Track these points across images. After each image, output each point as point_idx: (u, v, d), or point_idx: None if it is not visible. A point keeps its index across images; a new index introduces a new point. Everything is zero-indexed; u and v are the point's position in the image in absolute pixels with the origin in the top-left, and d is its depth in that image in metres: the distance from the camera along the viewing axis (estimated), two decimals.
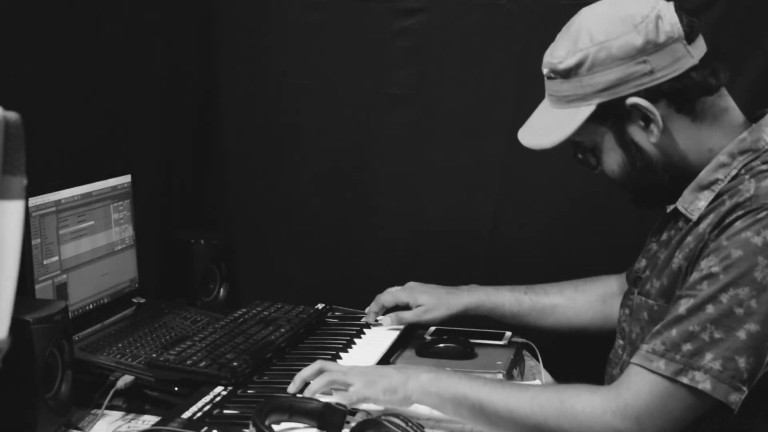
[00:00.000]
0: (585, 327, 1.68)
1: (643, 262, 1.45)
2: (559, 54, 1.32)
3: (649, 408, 1.19)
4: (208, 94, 2.15)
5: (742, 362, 1.16)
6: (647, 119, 1.29)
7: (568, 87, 1.32)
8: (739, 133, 1.31)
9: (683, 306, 1.21)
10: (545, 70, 1.35)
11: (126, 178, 1.85)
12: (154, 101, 2.06)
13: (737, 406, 1.17)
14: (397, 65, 2.02)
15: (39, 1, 1.65)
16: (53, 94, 1.70)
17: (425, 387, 1.32)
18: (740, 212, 1.22)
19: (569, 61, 1.30)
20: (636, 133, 1.31)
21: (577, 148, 1.40)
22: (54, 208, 1.60)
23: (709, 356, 1.17)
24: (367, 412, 1.33)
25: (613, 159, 1.35)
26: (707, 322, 1.18)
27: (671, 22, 1.26)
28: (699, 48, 1.29)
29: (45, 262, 1.57)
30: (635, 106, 1.28)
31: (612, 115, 1.31)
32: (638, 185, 1.38)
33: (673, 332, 1.20)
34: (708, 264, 1.22)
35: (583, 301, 1.68)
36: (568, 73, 1.31)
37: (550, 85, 1.36)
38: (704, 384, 1.17)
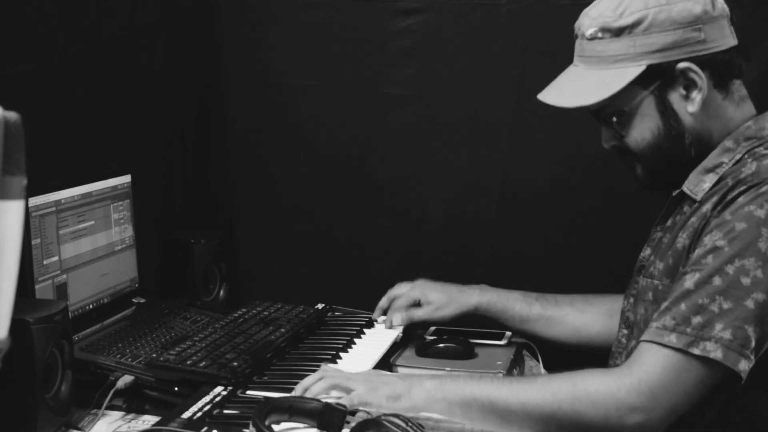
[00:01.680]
0: (590, 340, 1.67)
1: (647, 251, 1.47)
2: (611, 13, 1.33)
3: (662, 382, 1.20)
4: (209, 95, 2.15)
5: (750, 331, 1.18)
6: (689, 87, 1.33)
7: (618, 46, 1.33)
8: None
9: (689, 281, 1.23)
10: (591, 31, 1.35)
11: (126, 178, 1.85)
12: (154, 101, 2.06)
13: (745, 375, 1.19)
14: (397, 65, 2.01)
15: (39, 0, 1.65)
16: (53, 94, 1.70)
17: (431, 393, 1.31)
18: (742, 188, 1.25)
19: (627, 19, 1.32)
20: (676, 100, 1.35)
21: (602, 113, 1.39)
22: (54, 208, 1.60)
23: (719, 326, 1.19)
24: (367, 412, 1.33)
25: (646, 125, 1.36)
26: (716, 294, 1.20)
27: (722, 0, 1.34)
28: (734, 34, 1.35)
29: (45, 262, 1.57)
30: (685, 71, 1.32)
31: (657, 78, 1.33)
32: (660, 161, 1.38)
33: (682, 306, 1.22)
34: (712, 239, 1.24)
35: (591, 313, 1.68)
36: (621, 31, 1.32)
37: (592, 46, 1.36)
38: (716, 353, 1.18)
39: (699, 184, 1.35)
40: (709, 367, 1.20)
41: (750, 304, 1.19)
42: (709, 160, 1.35)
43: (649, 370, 1.21)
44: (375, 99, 2.04)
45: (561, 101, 1.40)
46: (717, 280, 1.21)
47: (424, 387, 1.32)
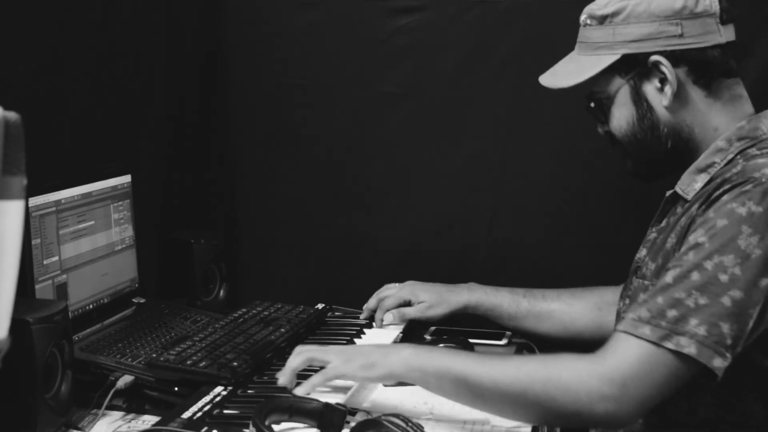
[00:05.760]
0: (579, 333, 1.69)
1: (643, 252, 1.48)
2: (601, 1, 1.40)
3: (634, 372, 1.20)
4: (208, 95, 2.15)
5: (726, 328, 1.18)
6: (664, 81, 1.36)
7: (600, 34, 1.39)
8: None
9: (670, 275, 1.23)
10: (583, 17, 1.43)
11: (126, 178, 1.85)
12: (155, 102, 2.06)
13: (721, 372, 1.18)
14: (395, 64, 2.01)
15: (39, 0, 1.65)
16: (53, 94, 1.70)
17: (407, 361, 1.31)
18: (727, 186, 1.26)
19: (609, 9, 1.38)
20: (650, 92, 1.39)
21: (590, 98, 1.46)
22: (54, 208, 1.60)
23: (693, 321, 1.19)
24: (367, 412, 1.33)
25: (622, 114, 1.42)
26: (692, 289, 1.20)
27: None
28: (728, 33, 1.37)
29: (45, 262, 1.57)
30: (657, 64, 1.36)
31: (633, 69, 1.38)
32: (639, 150, 1.42)
33: (659, 299, 1.22)
34: (695, 236, 1.25)
35: (579, 307, 1.70)
36: (603, 19, 1.39)
37: (582, 33, 1.44)
38: (689, 348, 1.18)
39: (691, 184, 1.36)
40: (682, 362, 1.19)
41: (726, 301, 1.19)
42: (702, 160, 1.36)
43: (622, 360, 1.21)
44: (373, 98, 2.04)
45: (547, 81, 1.47)
46: (695, 276, 1.21)
47: (401, 354, 1.32)
